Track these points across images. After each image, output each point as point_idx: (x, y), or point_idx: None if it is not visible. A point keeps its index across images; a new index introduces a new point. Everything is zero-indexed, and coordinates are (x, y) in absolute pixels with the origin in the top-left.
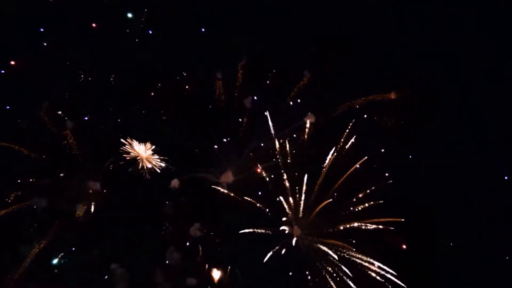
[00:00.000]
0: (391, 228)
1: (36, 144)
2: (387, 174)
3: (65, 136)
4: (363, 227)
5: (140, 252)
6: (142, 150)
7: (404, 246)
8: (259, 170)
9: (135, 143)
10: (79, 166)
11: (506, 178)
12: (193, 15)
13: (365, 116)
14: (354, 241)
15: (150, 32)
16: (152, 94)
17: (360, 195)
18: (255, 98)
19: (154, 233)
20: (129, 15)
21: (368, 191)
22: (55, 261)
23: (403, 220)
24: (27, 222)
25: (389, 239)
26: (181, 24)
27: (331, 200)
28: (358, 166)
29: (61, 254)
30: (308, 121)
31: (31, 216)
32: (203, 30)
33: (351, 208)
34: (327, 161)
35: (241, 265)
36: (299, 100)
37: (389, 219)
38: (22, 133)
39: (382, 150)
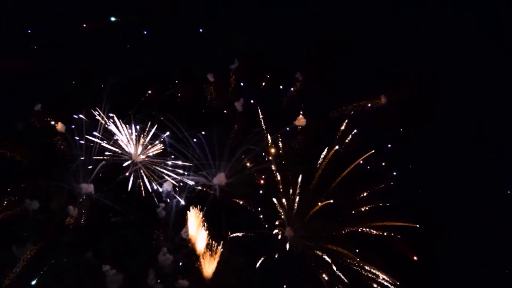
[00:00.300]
0: (394, 234)
1: (30, 146)
2: (394, 173)
3: (58, 139)
4: (365, 230)
5: (133, 253)
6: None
7: (415, 258)
8: (253, 173)
9: (127, 146)
10: (72, 169)
11: (509, 192)
12: (191, 15)
13: (363, 117)
14: (352, 245)
15: (145, 32)
16: (146, 95)
17: (359, 197)
18: (250, 100)
19: (147, 234)
20: (112, 18)
21: (369, 191)
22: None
23: (417, 226)
24: (20, 225)
25: (396, 246)
26: (179, 24)
27: (331, 201)
28: (358, 163)
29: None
30: (299, 124)
31: (25, 219)
32: (201, 30)
33: (353, 212)
34: (323, 158)
35: (233, 269)
36: (293, 102)
37: (400, 223)
38: (17, 135)
39: (385, 147)
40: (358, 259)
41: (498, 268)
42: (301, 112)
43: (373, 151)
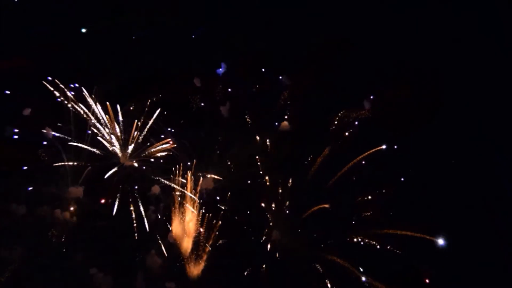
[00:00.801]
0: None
1: (18, 150)
2: (402, 179)
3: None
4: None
5: (121, 256)
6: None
7: (427, 280)
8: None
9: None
10: (61, 172)
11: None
12: (191, 15)
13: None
14: (350, 255)
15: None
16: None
17: (359, 201)
18: (240, 103)
19: (136, 237)
20: (83, 30)
21: (370, 196)
22: None
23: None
24: (9, 228)
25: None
26: (179, 24)
27: (326, 206)
28: (357, 166)
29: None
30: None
31: (13, 223)
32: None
33: (352, 220)
34: (310, 160)
35: (219, 273)
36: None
37: (414, 234)
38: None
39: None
40: (355, 270)
41: (498, 268)
42: (286, 117)
43: (384, 146)
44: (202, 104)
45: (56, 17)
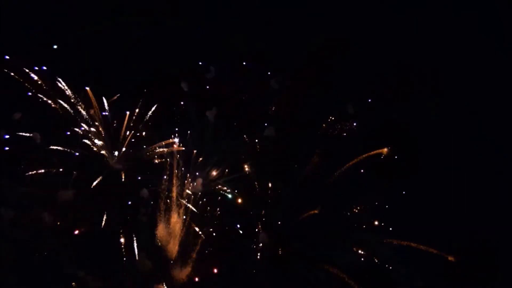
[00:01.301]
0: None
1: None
2: (401, 180)
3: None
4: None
5: (111, 259)
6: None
7: None
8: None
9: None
10: (51, 175)
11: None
12: (191, 15)
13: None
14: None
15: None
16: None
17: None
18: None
19: (126, 240)
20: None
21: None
22: None
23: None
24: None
25: None
26: (179, 24)
27: (316, 212)
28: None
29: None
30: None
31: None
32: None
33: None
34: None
35: (208, 277)
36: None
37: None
38: None
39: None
40: (345, 276)
41: (498, 268)
42: (280, 119)
43: (388, 148)
44: (192, 107)
45: (56, 17)
